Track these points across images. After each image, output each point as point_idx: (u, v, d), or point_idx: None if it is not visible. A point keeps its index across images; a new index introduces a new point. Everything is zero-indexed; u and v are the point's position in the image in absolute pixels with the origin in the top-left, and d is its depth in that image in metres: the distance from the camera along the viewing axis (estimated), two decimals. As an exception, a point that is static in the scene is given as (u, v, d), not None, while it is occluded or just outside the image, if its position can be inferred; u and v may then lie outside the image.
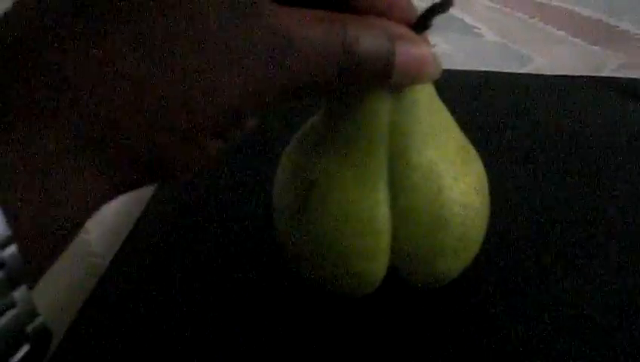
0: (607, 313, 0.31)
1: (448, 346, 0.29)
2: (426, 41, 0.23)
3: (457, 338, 0.30)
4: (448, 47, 0.64)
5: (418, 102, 0.26)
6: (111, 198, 0.19)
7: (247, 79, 0.18)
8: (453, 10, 0.71)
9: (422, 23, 0.23)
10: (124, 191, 0.19)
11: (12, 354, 0.16)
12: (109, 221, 0.42)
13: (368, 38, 0.20)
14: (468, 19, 0.70)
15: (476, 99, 0.50)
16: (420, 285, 0.29)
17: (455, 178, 0.27)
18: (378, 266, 0.27)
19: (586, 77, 0.55)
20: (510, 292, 0.32)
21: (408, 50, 0.21)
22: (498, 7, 0.73)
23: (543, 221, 0.37)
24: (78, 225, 0.18)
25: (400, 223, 0.27)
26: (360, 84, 0.21)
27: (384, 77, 0.21)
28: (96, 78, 0.16)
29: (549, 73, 0.57)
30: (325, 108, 0.28)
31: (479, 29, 0.68)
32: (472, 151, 0.29)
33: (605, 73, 0.59)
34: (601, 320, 0.30)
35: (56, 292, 0.36)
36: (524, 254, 0.34)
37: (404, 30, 0.22)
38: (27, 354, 0.17)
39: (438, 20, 0.23)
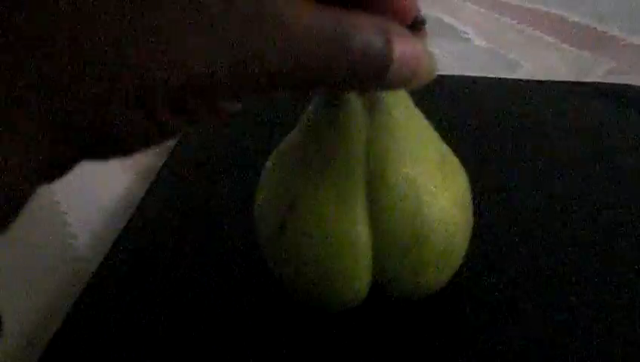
0: (598, 324, 0.31)
1: (433, 357, 0.29)
2: (424, 38, 0.23)
3: (442, 348, 0.30)
4: (437, 52, 0.64)
5: (395, 120, 0.26)
6: (46, 179, 0.17)
7: (224, 47, 0.16)
8: (441, 15, 0.71)
9: None
10: (60, 171, 0.17)
11: None
12: (96, 225, 0.42)
13: (363, 32, 0.19)
14: (457, 25, 0.70)
15: (464, 105, 0.51)
16: (403, 298, 0.29)
17: (434, 194, 0.26)
18: (360, 284, 0.27)
19: (574, 82, 0.55)
20: (496, 300, 0.32)
21: (405, 47, 0.20)
22: (487, 12, 0.73)
23: (530, 228, 0.37)
24: (12, 209, 0.16)
25: (380, 241, 0.26)
26: (352, 85, 0.20)
27: (379, 75, 0.20)
28: (27, 22, 0.14)
29: (537, 78, 0.57)
30: (302, 127, 0.28)
31: (468, 34, 0.68)
32: (454, 163, 0.29)
33: (593, 78, 0.60)
34: (593, 330, 0.30)
35: (42, 298, 0.36)
36: (511, 262, 0.34)
37: (400, 28, 0.20)
38: None
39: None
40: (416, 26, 0.22)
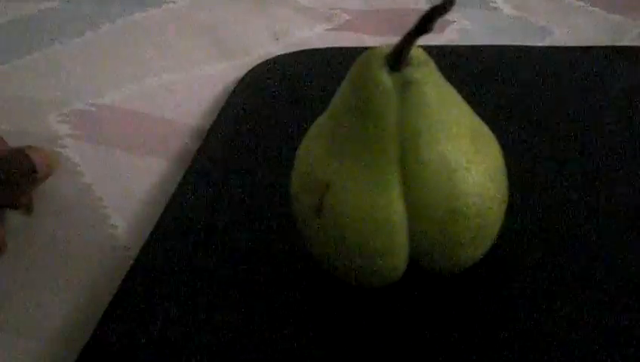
0: (633, 296, 0.31)
1: (469, 330, 0.30)
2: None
3: (478, 321, 0.30)
4: (465, 22, 0.63)
5: (426, 96, 0.26)
6: None
7: None
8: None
9: (422, 26, 0.23)
10: None
11: None
12: (134, 214, 0.43)
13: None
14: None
15: (495, 75, 0.50)
16: (439, 273, 0.30)
17: (468, 169, 0.27)
18: (397, 261, 0.28)
19: (606, 47, 0.54)
20: (531, 273, 0.32)
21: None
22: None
23: (564, 198, 0.37)
24: None
25: (416, 218, 0.27)
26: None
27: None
28: None
29: (568, 45, 0.56)
30: (333, 108, 0.28)
31: (496, 2, 0.67)
32: (487, 134, 0.29)
33: (625, 42, 0.59)
34: (630, 303, 0.30)
35: (84, 288, 0.37)
36: (548, 235, 0.35)
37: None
38: None
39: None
40: (420, 30, 0.23)
